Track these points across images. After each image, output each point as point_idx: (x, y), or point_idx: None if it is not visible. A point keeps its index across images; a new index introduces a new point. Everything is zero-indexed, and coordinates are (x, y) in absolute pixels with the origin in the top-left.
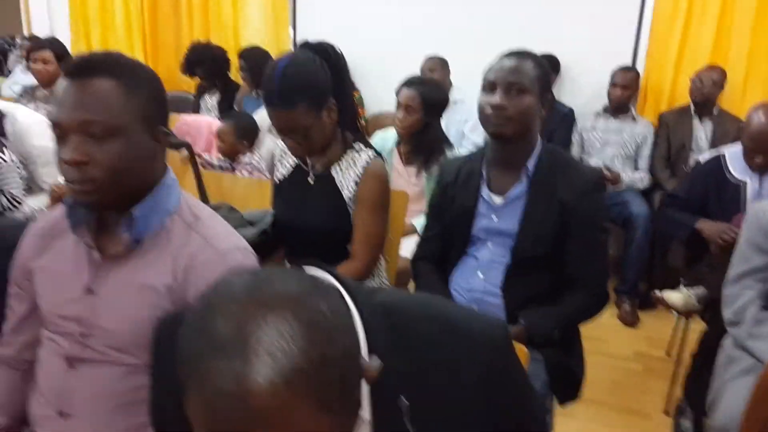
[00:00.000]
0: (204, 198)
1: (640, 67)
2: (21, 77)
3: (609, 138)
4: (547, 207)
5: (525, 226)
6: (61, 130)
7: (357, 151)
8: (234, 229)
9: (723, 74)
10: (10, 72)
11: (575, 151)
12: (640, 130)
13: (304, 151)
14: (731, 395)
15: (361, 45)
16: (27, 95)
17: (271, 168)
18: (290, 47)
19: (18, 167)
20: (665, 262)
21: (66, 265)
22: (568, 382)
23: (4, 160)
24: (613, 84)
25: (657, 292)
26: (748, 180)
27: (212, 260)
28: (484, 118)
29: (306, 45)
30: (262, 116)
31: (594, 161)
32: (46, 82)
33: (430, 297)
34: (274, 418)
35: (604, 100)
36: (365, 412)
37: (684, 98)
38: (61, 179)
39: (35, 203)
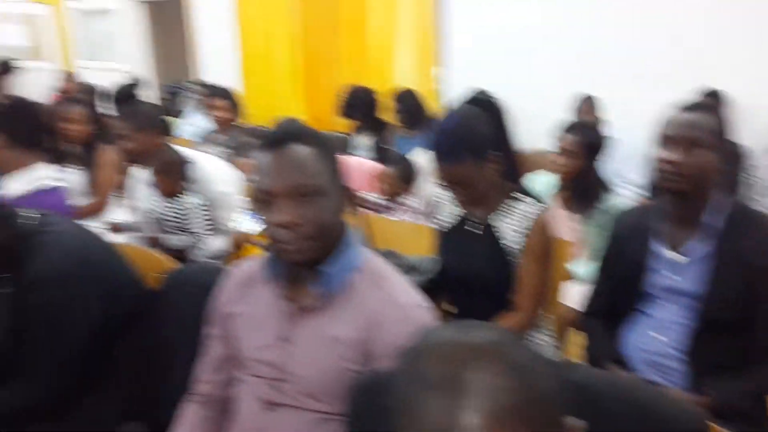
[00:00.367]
0: (369, 241)
1: None
2: (195, 120)
3: None
4: (736, 269)
5: (713, 288)
6: (269, 196)
7: (518, 200)
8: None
9: None
10: (180, 113)
11: (746, 192)
12: None
13: (467, 201)
14: None
15: (510, 82)
16: (207, 140)
17: (430, 213)
18: (438, 87)
19: (202, 210)
20: None
21: (262, 312)
22: None
23: (190, 204)
24: None
25: None
26: None
27: (396, 317)
28: (659, 174)
29: (470, 99)
30: (418, 159)
31: None
32: (224, 127)
33: (621, 378)
34: None
35: None
36: None
37: None
38: (239, 225)
39: (217, 244)
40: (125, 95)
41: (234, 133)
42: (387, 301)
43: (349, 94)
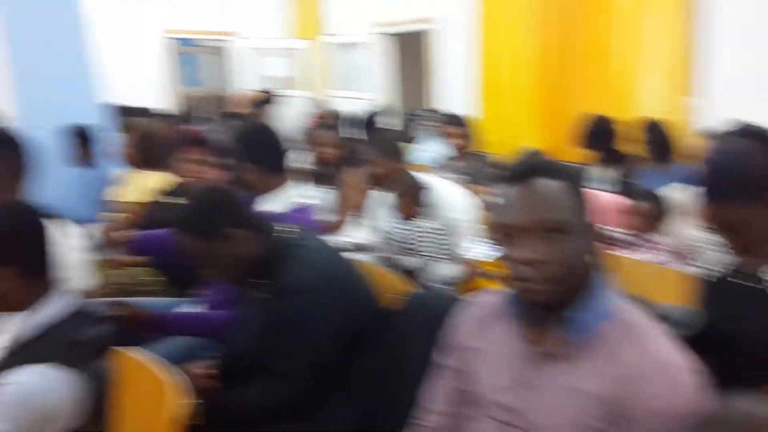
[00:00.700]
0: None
1: None
2: (431, 146)
3: None
4: None
5: None
6: (512, 231)
7: None
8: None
9: None
10: (415, 139)
11: None
12: None
13: (739, 248)
14: None
15: None
16: (444, 166)
17: (684, 256)
18: (690, 118)
19: (436, 235)
20: None
21: (501, 352)
22: None
23: (424, 228)
24: None
25: None
26: None
27: (658, 376)
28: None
29: (739, 132)
30: (671, 195)
31: None
32: (461, 154)
33: None
34: None
35: None
36: None
37: None
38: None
39: (447, 270)
40: (370, 122)
41: (470, 160)
42: (645, 356)
43: (590, 123)
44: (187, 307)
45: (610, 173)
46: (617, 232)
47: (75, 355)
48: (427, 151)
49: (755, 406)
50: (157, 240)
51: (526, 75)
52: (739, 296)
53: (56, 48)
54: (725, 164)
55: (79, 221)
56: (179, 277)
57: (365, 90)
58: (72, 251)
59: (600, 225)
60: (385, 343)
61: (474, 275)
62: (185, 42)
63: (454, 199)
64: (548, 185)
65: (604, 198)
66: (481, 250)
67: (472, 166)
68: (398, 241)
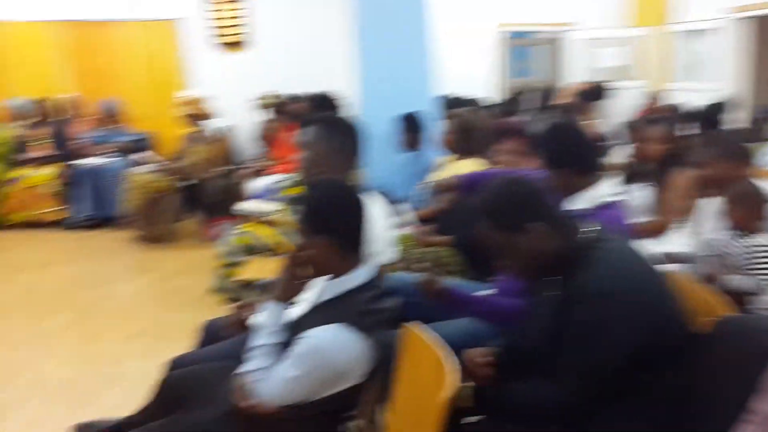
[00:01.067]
0: None
1: None
2: None
3: None
4: None
5: None
6: None
7: None
8: None
9: None
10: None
11: None
12: None
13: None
14: None
15: None
16: None
17: None
18: None
19: None
20: None
21: None
22: None
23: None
24: None
25: None
26: None
27: None
28: None
29: None
30: None
31: None
32: None
33: None
34: None
35: None
36: None
37: None
38: None
39: None
40: (711, 117)
41: None
42: None
43: None
44: (481, 291)
45: None
46: None
47: (367, 322)
48: None
49: None
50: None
51: None
52: None
53: (400, 40)
54: None
55: (400, 201)
56: (479, 261)
57: (710, 81)
58: (385, 228)
59: None
60: (687, 366)
61: None
62: (518, 34)
63: None
64: None
65: None
66: None
67: None
68: (727, 258)
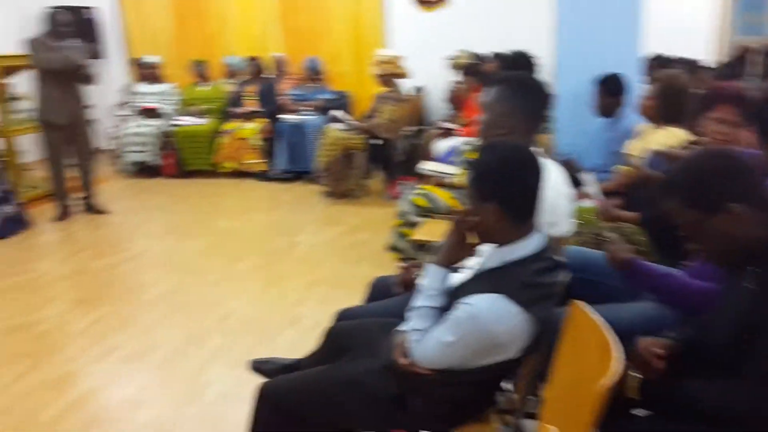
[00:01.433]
0: None
1: None
2: None
3: None
4: None
5: None
6: None
7: None
8: None
9: None
10: None
11: None
12: None
13: None
14: None
15: None
16: None
17: None
18: None
19: None
20: None
21: None
22: None
23: None
24: None
25: None
26: None
27: None
28: None
29: None
30: None
31: None
32: None
33: None
34: None
35: None
36: None
37: None
38: None
39: None
40: None
41: None
42: None
43: None
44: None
45: None
46: None
47: (530, 295)
48: None
49: None
50: None
51: None
52: None
53: None
54: None
55: (594, 170)
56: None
57: None
58: (564, 197)
59: None
60: None
61: None
62: None
63: None
64: None
65: None
66: None
67: None
68: None
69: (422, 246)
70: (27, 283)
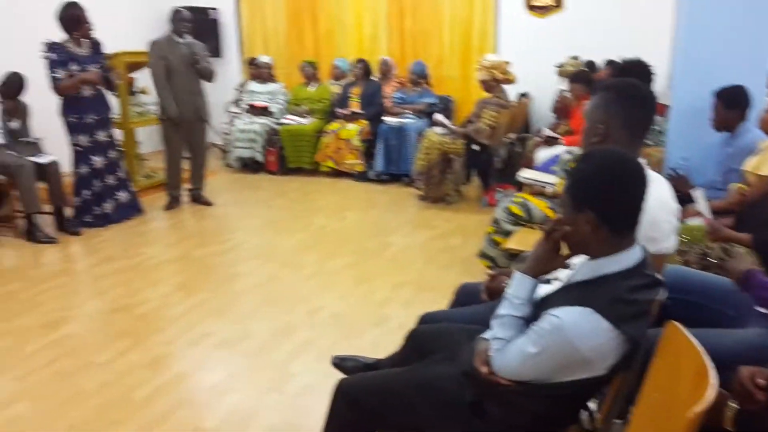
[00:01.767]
0: None
1: None
2: None
3: None
4: None
5: None
6: None
7: None
8: None
9: None
10: None
11: None
12: None
13: None
14: None
15: None
16: None
17: None
18: None
19: None
20: None
21: None
22: None
23: None
24: None
25: None
26: None
27: None
28: None
29: None
30: None
31: None
32: None
33: None
34: None
35: None
36: None
37: None
38: None
39: None
40: None
41: None
42: None
43: None
44: None
45: None
46: None
47: (621, 311)
48: None
49: None
50: None
51: None
52: None
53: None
54: None
55: (707, 187)
56: None
57: None
58: (668, 212)
59: None
60: None
61: None
62: None
63: None
64: None
65: None
66: None
67: None
68: None
69: (514, 255)
70: (136, 266)
